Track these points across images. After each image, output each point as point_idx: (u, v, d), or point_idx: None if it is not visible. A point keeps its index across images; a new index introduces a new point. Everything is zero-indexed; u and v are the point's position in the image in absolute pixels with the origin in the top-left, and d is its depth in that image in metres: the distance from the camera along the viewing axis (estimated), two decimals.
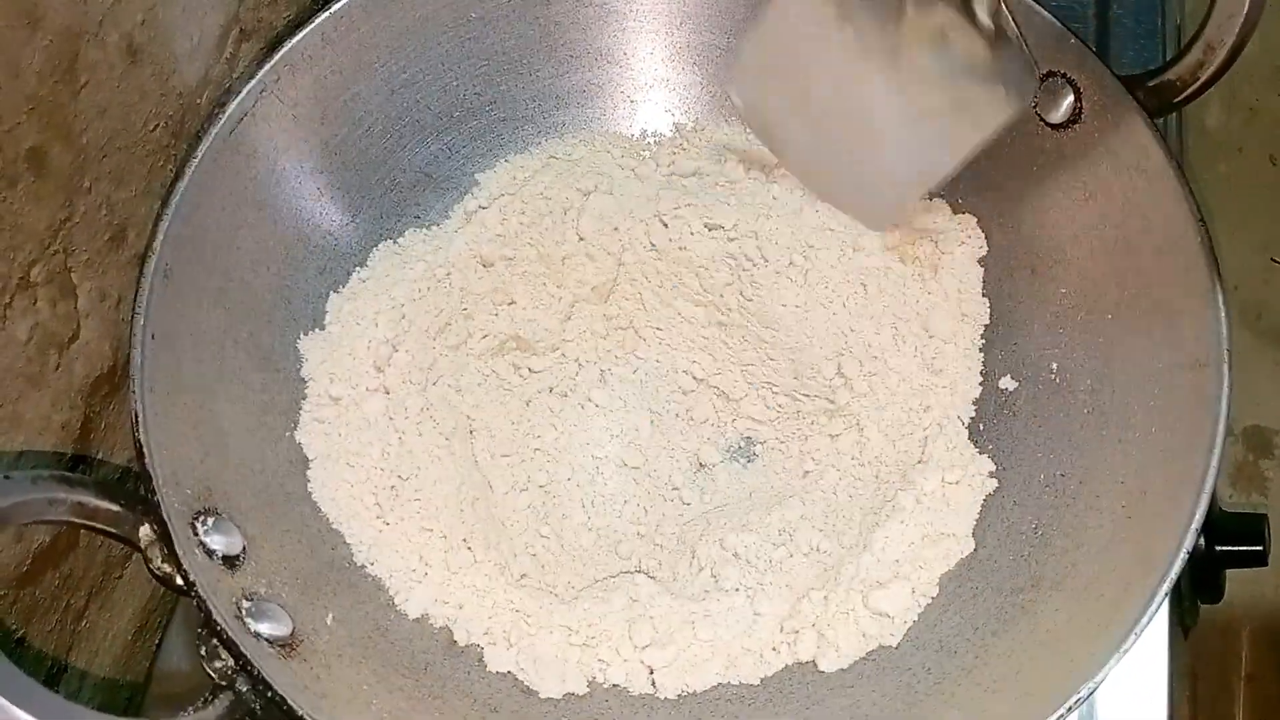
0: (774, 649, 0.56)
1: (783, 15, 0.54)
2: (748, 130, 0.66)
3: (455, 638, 0.56)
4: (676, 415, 0.64)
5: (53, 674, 0.56)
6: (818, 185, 0.60)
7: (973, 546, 0.57)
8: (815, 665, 0.55)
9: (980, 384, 0.61)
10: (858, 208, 0.59)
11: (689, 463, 0.63)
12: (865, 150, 0.55)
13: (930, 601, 0.56)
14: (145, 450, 0.51)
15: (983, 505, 0.58)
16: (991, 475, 0.59)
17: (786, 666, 0.56)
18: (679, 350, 0.65)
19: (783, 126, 0.59)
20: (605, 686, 0.56)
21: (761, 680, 0.55)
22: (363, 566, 0.57)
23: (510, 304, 0.65)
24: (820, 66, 0.53)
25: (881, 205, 0.59)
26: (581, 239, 0.65)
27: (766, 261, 0.63)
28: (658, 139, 0.68)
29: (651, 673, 0.55)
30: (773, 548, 0.58)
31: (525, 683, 0.56)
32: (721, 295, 0.63)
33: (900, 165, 0.54)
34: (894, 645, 0.55)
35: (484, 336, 0.64)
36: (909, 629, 0.56)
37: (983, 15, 0.48)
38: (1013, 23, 0.49)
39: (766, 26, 0.55)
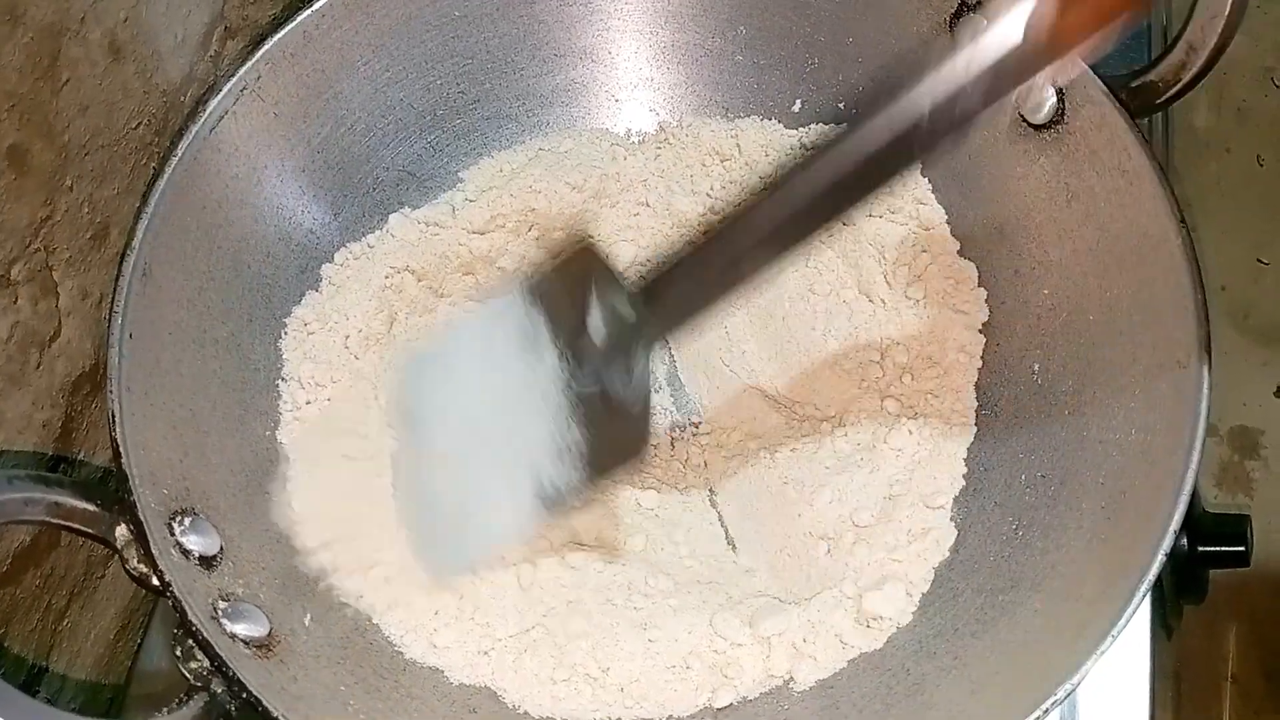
0: (749, 664, 0.55)
1: (477, 319, 0.57)
2: (733, 131, 0.67)
3: (434, 641, 0.56)
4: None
5: (33, 675, 0.56)
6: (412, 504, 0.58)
7: (955, 533, 0.57)
8: (791, 678, 0.55)
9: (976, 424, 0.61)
10: (432, 545, 0.57)
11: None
12: (476, 474, 0.55)
13: (923, 596, 0.56)
14: (122, 449, 0.51)
15: (959, 502, 0.58)
16: (963, 476, 0.59)
17: (759, 678, 0.55)
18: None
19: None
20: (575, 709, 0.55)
21: (739, 700, 0.55)
22: (340, 569, 0.57)
23: (496, 298, 0.64)
24: (484, 378, 0.54)
25: (461, 543, 0.56)
26: (574, 235, 0.65)
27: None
28: (642, 137, 0.68)
29: (622, 690, 0.55)
30: (741, 559, 0.59)
31: (497, 695, 0.55)
32: None
33: (502, 504, 0.54)
34: (879, 648, 0.55)
35: None
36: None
37: (623, 385, 0.51)
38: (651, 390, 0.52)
39: (459, 321, 0.59)
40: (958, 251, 0.62)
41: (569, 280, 0.52)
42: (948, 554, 0.57)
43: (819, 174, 0.44)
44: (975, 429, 0.60)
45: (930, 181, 0.64)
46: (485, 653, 0.56)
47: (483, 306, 0.56)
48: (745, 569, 0.59)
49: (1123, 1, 0.38)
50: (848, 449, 0.60)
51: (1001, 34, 0.39)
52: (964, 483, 0.58)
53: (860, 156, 0.43)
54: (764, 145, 0.66)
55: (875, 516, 0.58)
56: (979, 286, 0.62)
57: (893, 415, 0.60)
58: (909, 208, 0.63)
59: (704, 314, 0.49)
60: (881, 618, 0.55)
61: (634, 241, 0.66)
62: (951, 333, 0.61)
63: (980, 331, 0.61)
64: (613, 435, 0.52)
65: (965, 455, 0.59)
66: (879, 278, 0.63)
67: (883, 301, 0.63)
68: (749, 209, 0.46)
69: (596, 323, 0.50)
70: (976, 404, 0.60)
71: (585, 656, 0.55)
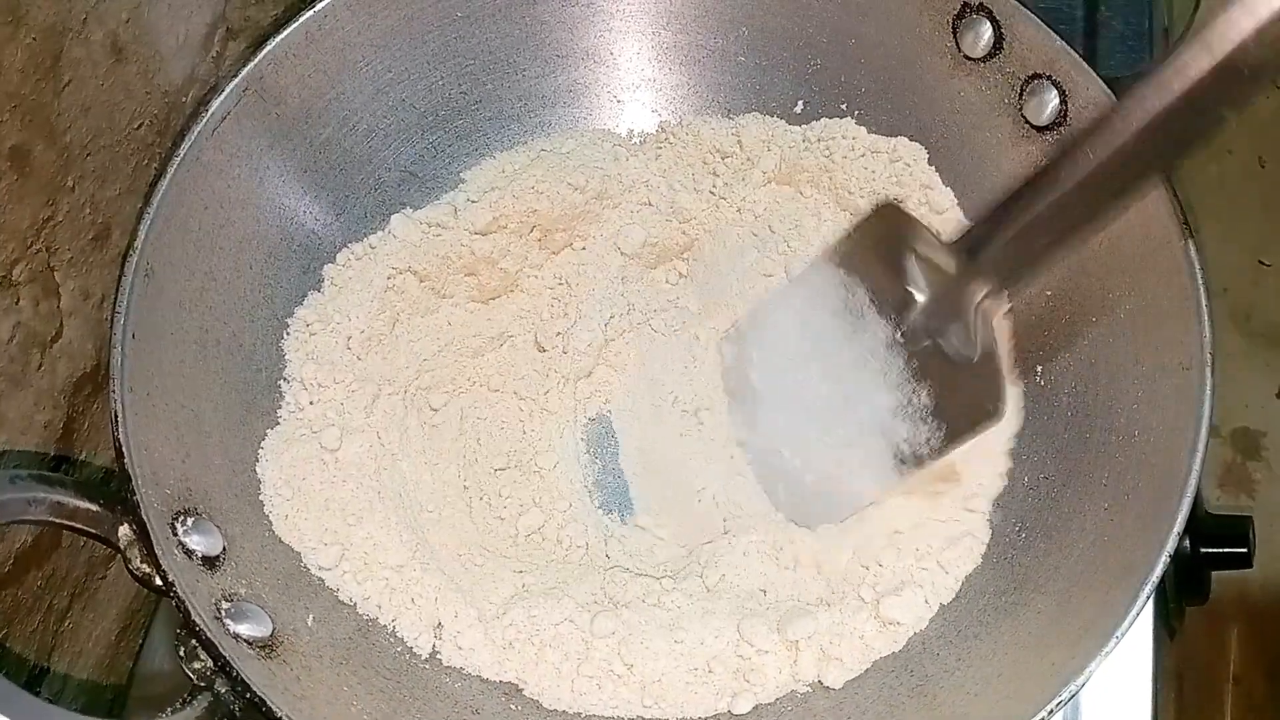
0: (772, 670, 0.55)
1: (792, 293, 0.56)
2: (733, 128, 0.67)
3: (435, 637, 0.56)
4: (672, 414, 0.63)
5: (35, 675, 0.56)
6: (766, 469, 0.59)
7: (985, 545, 0.57)
8: (821, 683, 0.55)
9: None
10: (799, 506, 0.58)
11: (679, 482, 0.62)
12: (829, 445, 0.55)
13: (943, 605, 0.56)
14: (125, 450, 0.51)
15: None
16: (1006, 474, 0.58)
17: (782, 683, 0.55)
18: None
19: (755, 395, 0.58)
20: (595, 705, 0.55)
21: (757, 706, 0.55)
22: (343, 569, 0.57)
23: (499, 299, 0.65)
24: (811, 349, 0.54)
25: (829, 506, 0.57)
26: (576, 234, 0.65)
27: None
28: (643, 138, 0.68)
29: (643, 688, 0.55)
30: (766, 559, 0.58)
31: (523, 691, 0.55)
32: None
33: (861, 469, 0.54)
34: (898, 650, 0.55)
35: (473, 335, 0.64)
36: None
37: (960, 344, 0.49)
38: (996, 345, 0.49)
39: (774, 297, 0.57)
40: None
41: (876, 241, 0.51)
42: (979, 561, 0.56)
43: (1146, 108, 0.40)
44: (1024, 412, 0.59)
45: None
46: (510, 645, 0.55)
47: (797, 282, 0.55)
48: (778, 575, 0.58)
49: None
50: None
51: None
52: (1005, 482, 0.58)
53: (1185, 84, 0.39)
54: (765, 140, 0.66)
55: (914, 520, 0.57)
56: None
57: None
58: (916, 194, 0.63)
59: (1038, 265, 0.46)
60: (898, 623, 0.55)
61: None
62: None
63: (1006, 315, 0.60)
64: (962, 395, 0.50)
65: (1011, 447, 0.58)
66: None
67: None
68: (1078, 148, 0.42)
69: (916, 278, 0.49)
70: (1022, 385, 0.59)
71: (611, 653, 0.55)
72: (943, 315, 0.49)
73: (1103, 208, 0.44)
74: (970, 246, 0.47)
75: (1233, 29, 0.37)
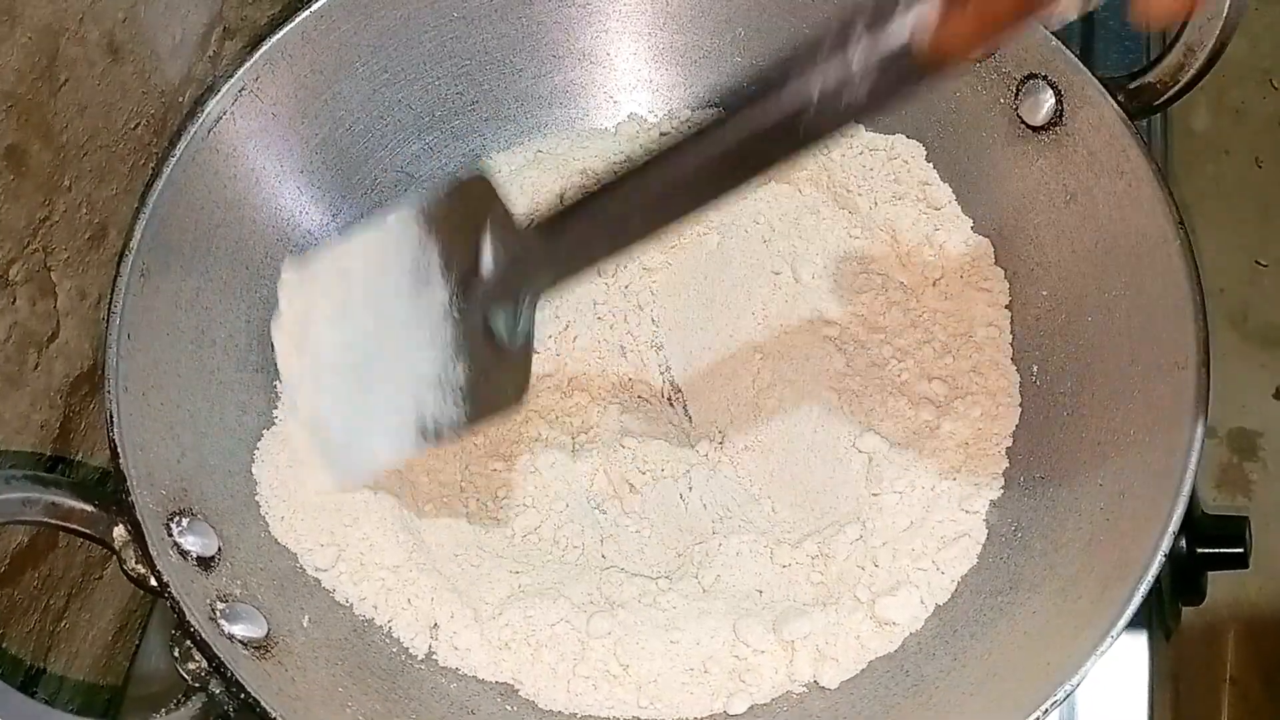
0: (768, 670, 0.55)
1: (369, 238, 0.53)
2: None
3: (432, 637, 0.56)
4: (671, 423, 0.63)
5: (31, 676, 0.56)
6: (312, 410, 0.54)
7: (981, 545, 0.57)
8: (817, 683, 0.54)
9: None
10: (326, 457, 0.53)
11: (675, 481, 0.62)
12: (362, 400, 0.52)
13: (939, 605, 0.56)
14: (119, 450, 0.51)
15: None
16: (1004, 475, 0.58)
17: (778, 683, 0.55)
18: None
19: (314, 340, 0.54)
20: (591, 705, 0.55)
21: (752, 706, 0.55)
22: (339, 570, 0.57)
23: None
24: (371, 300, 0.52)
25: (348, 464, 0.53)
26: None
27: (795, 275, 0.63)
28: (641, 136, 0.68)
29: (639, 689, 0.55)
30: (761, 559, 0.58)
31: (519, 691, 0.55)
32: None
33: (383, 431, 0.51)
34: (893, 650, 0.55)
35: None
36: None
37: (505, 329, 0.49)
38: (533, 335, 0.50)
39: (351, 238, 0.54)
40: (970, 229, 0.62)
41: (463, 211, 0.50)
42: (975, 560, 0.56)
43: (709, 146, 0.43)
44: (1020, 409, 0.59)
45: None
46: (506, 645, 0.55)
47: (377, 227, 0.52)
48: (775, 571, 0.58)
49: (1007, 15, 0.38)
50: (884, 447, 0.60)
51: (888, 36, 0.39)
52: (1002, 483, 0.58)
53: (748, 133, 0.42)
54: None
55: (912, 520, 0.57)
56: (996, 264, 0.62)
57: (939, 396, 0.60)
58: (914, 191, 0.63)
59: (591, 266, 0.48)
60: (894, 624, 0.55)
61: None
62: (977, 310, 0.61)
63: (1006, 308, 0.61)
64: (493, 379, 0.50)
65: (1008, 447, 0.58)
66: (894, 261, 0.63)
67: (901, 284, 0.62)
68: (643, 170, 0.45)
69: (487, 257, 0.49)
70: (1020, 379, 0.60)
71: (607, 653, 0.55)
72: (498, 296, 0.49)
73: (650, 227, 0.46)
74: (533, 237, 0.48)
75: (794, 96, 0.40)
